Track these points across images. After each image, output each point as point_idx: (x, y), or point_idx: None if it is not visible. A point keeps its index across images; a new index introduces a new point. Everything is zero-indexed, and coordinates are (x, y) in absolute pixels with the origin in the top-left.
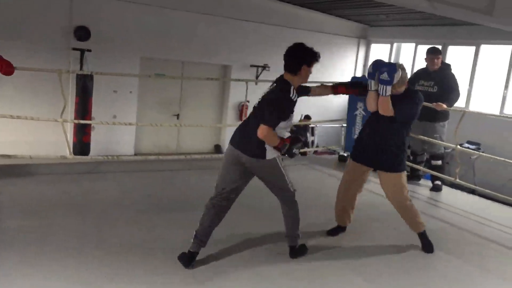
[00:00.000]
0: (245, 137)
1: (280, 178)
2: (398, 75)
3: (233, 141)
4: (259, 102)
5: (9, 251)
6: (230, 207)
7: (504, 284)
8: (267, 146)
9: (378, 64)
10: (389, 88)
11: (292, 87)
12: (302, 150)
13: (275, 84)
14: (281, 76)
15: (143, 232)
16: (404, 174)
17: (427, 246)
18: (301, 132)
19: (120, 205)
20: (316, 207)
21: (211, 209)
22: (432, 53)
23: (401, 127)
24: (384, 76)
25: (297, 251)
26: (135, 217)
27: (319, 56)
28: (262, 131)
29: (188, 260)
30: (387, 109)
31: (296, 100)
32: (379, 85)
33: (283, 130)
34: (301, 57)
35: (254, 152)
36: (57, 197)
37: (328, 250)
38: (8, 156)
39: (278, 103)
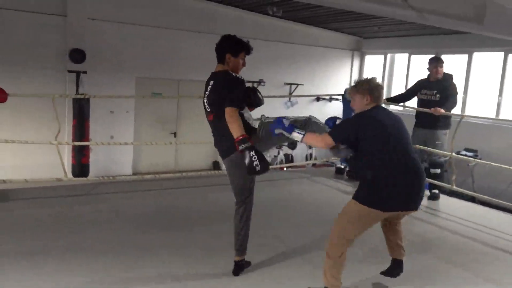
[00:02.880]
0: (217, 142)
1: (241, 181)
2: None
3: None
4: (209, 102)
5: (5, 276)
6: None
7: None
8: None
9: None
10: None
11: (231, 72)
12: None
13: (213, 81)
14: (215, 71)
15: (138, 252)
16: (361, 209)
17: None
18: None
19: (114, 227)
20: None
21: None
22: (436, 62)
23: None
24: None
25: (242, 266)
26: (129, 239)
27: (246, 47)
28: (227, 113)
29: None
30: (315, 143)
31: (243, 80)
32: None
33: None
34: (222, 46)
35: (224, 147)
36: (51, 220)
37: None
38: (3, 181)
39: (232, 84)
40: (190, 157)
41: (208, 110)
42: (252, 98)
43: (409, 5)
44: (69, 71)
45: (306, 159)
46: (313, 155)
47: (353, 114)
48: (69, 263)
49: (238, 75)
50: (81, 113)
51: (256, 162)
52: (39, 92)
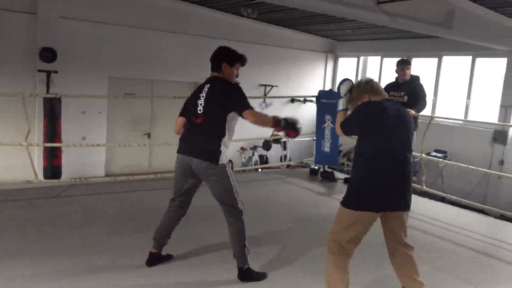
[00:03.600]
0: (195, 142)
1: (228, 191)
2: (343, 88)
3: (180, 150)
4: (205, 105)
5: None
6: (185, 212)
7: None
8: (222, 151)
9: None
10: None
11: (223, 78)
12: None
13: (209, 85)
14: (210, 77)
15: (109, 255)
16: (348, 214)
17: None
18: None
19: (88, 228)
20: (291, 219)
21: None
22: (403, 64)
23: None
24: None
25: (245, 274)
26: (100, 241)
27: (242, 59)
28: (251, 115)
29: (149, 259)
30: (336, 126)
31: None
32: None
33: (235, 123)
34: (219, 55)
35: (206, 155)
36: (22, 222)
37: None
38: None
39: (238, 90)
40: (164, 159)
41: (200, 112)
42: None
43: (381, 9)
44: (39, 71)
45: (281, 160)
46: (288, 156)
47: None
48: (41, 266)
49: (237, 83)
50: (52, 113)
51: (294, 122)
52: (7, 92)
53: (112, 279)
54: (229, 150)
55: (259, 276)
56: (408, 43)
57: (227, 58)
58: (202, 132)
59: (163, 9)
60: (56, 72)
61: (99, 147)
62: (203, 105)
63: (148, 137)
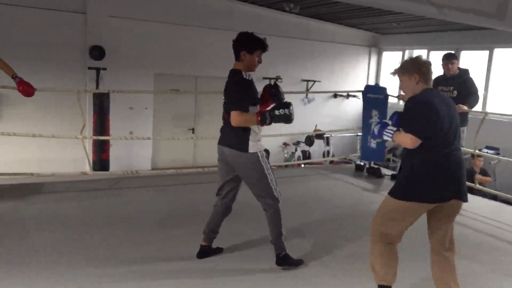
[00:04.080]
0: (226, 133)
1: (262, 179)
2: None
3: (219, 141)
4: (224, 101)
5: (36, 267)
6: (231, 206)
7: None
8: (250, 139)
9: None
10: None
11: (242, 72)
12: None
13: (227, 79)
14: (231, 69)
15: (160, 245)
16: (399, 204)
17: None
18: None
19: (137, 220)
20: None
21: (215, 206)
22: (446, 59)
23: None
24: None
25: (282, 260)
26: (153, 231)
27: (262, 44)
28: (233, 117)
29: (199, 252)
30: (403, 143)
31: (250, 80)
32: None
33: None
34: (238, 43)
35: (234, 144)
36: (77, 213)
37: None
38: (31, 174)
39: (237, 87)
40: (208, 153)
41: (223, 107)
42: (274, 94)
43: (429, 0)
44: (89, 68)
45: (324, 156)
46: (331, 152)
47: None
48: (98, 255)
49: (245, 76)
50: (101, 109)
51: (285, 112)
52: (61, 88)
53: (161, 270)
54: (266, 142)
55: (296, 262)
56: (456, 36)
57: (245, 45)
58: (229, 123)
59: (206, 6)
60: (105, 69)
61: (146, 141)
62: (223, 100)
63: (192, 132)
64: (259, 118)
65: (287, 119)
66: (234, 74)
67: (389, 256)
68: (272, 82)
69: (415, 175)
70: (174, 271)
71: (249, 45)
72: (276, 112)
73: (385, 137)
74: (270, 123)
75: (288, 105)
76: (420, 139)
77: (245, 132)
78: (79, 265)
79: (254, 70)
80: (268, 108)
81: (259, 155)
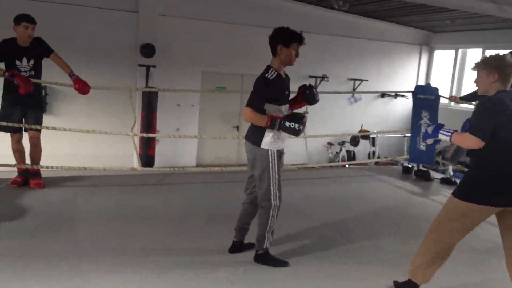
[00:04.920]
0: (249, 127)
1: (264, 177)
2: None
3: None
4: None
5: (85, 261)
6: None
7: None
8: (265, 135)
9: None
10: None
11: (271, 69)
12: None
13: None
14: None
15: (211, 240)
16: (461, 205)
17: None
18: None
19: (186, 216)
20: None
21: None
22: None
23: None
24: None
25: (260, 257)
26: (202, 227)
27: (298, 37)
28: (245, 112)
29: (231, 247)
30: (465, 144)
31: (271, 79)
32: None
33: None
34: (274, 37)
35: (251, 137)
36: (128, 207)
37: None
38: (84, 168)
39: (255, 84)
40: None
41: None
42: (308, 95)
43: None
44: (140, 65)
45: (369, 157)
46: (376, 153)
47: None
48: (145, 250)
49: (269, 74)
50: (149, 105)
51: (295, 127)
52: (111, 85)
53: (202, 261)
54: (310, 142)
55: (275, 262)
56: None
57: (281, 39)
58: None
59: (254, 4)
60: (154, 66)
61: (192, 138)
62: None
63: (237, 130)
64: (268, 122)
65: (295, 132)
66: (263, 72)
67: (435, 259)
68: (308, 83)
69: (480, 177)
70: (215, 269)
71: (285, 38)
72: (286, 124)
73: (440, 136)
74: (277, 130)
75: (300, 119)
76: (484, 140)
77: (262, 128)
78: (123, 258)
79: (293, 63)
80: (291, 110)
81: (270, 153)
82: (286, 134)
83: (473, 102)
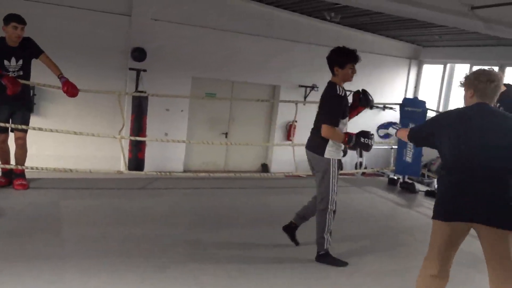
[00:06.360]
0: (311, 138)
1: (325, 185)
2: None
3: (305, 145)
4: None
5: (68, 262)
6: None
7: None
8: (327, 146)
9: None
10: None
11: (337, 86)
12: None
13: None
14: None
15: (191, 248)
16: (433, 223)
17: None
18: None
19: (169, 222)
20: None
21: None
22: None
23: None
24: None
25: (321, 257)
26: (183, 234)
27: (352, 57)
28: (324, 130)
29: (286, 226)
30: (403, 138)
31: (343, 95)
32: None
33: (342, 127)
34: (330, 59)
35: (314, 148)
36: (112, 211)
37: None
38: (70, 170)
39: (328, 101)
40: (239, 158)
41: (316, 117)
42: (362, 100)
43: (476, 15)
44: (130, 69)
45: (356, 167)
46: (363, 164)
47: None
48: (127, 254)
49: (339, 91)
50: (139, 109)
51: (368, 142)
52: (101, 88)
53: (184, 270)
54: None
55: (334, 262)
56: (501, 51)
57: (336, 61)
58: (315, 130)
59: (246, 12)
60: (145, 70)
61: (180, 143)
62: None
63: (226, 137)
64: (346, 139)
65: (367, 147)
66: (331, 88)
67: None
68: (361, 89)
69: (437, 191)
70: (195, 273)
71: (339, 60)
72: (361, 140)
73: (390, 129)
74: (353, 146)
75: (371, 135)
76: (411, 140)
77: (324, 139)
78: (106, 261)
79: (351, 80)
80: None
81: (331, 162)
82: (341, 145)
83: None
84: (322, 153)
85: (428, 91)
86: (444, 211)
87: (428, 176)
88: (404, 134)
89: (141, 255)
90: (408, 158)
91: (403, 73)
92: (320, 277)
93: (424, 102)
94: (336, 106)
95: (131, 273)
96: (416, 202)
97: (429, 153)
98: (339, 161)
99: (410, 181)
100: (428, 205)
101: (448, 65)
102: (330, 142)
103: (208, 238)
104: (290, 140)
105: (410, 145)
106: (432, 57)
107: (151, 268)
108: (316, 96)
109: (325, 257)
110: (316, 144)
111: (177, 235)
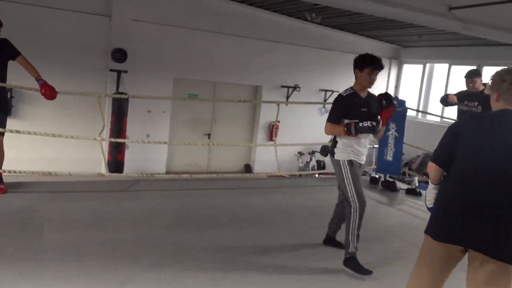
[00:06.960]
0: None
1: (342, 183)
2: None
3: None
4: None
5: (47, 267)
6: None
7: None
8: (337, 147)
9: None
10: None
11: (348, 88)
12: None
13: None
14: None
15: (173, 250)
16: (424, 240)
17: None
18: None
19: (151, 224)
20: None
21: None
22: (468, 77)
23: None
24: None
25: (347, 262)
26: (166, 236)
27: (372, 62)
28: (325, 127)
29: (325, 239)
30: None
31: (345, 96)
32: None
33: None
34: (354, 61)
35: (330, 149)
36: (91, 214)
37: None
38: (49, 173)
39: (334, 101)
40: (222, 159)
41: None
42: (384, 103)
43: (454, 15)
44: (111, 70)
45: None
46: None
47: None
48: (108, 258)
49: (344, 93)
50: (120, 111)
51: (368, 124)
52: (81, 90)
53: (165, 274)
54: (280, 150)
55: (360, 270)
56: (479, 51)
57: (357, 64)
58: None
59: (227, 13)
60: (126, 71)
61: (162, 145)
62: None
63: (208, 138)
64: (345, 129)
65: (370, 129)
66: (343, 90)
67: None
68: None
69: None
70: (177, 275)
71: (359, 64)
72: (360, 124)
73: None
74: (356, 133)
75: (371, 118)
76: (436, 163)
77: (335, 141)
78: (86, 265)
79: (369, 86)
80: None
81: (341, 162)
82: (363, 149)
83: (439, 115)
84: (333, 154)
85: (409, 90)
86: (434, 228)
87: (409, 175)
88: (433, 169)
89: (122, 258)
90: (389, 157)
91: (383, 73)
92: (300, 279)
93: (404, 101)
94: (335, 105)
95: (112, 276)
96: (397, 200)
97: (410, 152)
98: (350, 161)
99: (391, 180)
100: (409, 203)
101: (428, 65)
102: (339, 143)
103: (191, 239)
104: (273, 141)
105: (391, 144)
106: (412, 57)
107: (132, 271)
108: (298, 96)
109: (348, 262)
110: (332, 146)
111: (159, 237)
